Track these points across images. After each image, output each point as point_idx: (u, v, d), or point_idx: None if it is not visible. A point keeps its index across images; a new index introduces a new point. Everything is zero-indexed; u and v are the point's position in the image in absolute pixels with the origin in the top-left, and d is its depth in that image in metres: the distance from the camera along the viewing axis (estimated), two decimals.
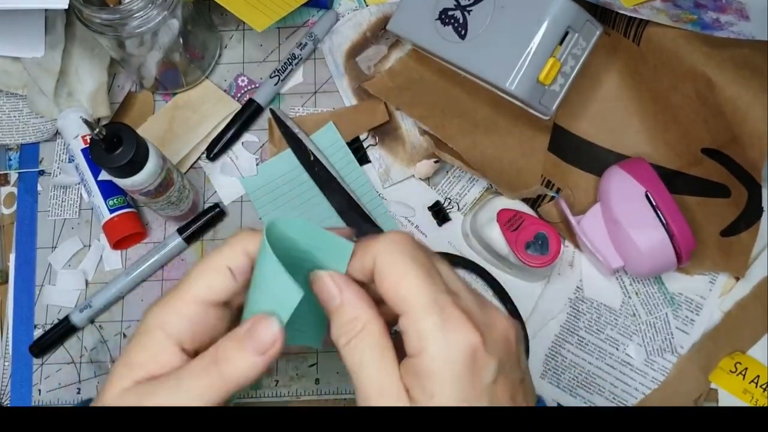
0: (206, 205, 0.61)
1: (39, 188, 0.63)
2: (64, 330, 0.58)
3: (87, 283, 0.60)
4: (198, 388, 0.33)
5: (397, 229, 0.59)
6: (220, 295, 0.35)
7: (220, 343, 0.34)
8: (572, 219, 0.55)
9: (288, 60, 0.63)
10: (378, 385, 0.33)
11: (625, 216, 0.52)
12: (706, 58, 0.51)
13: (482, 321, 0.32)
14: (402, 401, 0.32)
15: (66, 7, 0.51)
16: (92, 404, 0.36)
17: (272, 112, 0.61)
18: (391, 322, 0.34)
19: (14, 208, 0.63)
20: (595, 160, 0.59)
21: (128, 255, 0.61)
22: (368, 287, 0.35)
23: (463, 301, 0.33)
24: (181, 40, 0.58)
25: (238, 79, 0.65)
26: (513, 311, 0.56)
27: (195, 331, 0.35)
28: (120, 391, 0.34)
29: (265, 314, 0.34)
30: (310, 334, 0.39)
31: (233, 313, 0.38)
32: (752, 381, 0.53)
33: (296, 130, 0.60)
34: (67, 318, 0.58)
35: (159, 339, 0.35)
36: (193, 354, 0.36)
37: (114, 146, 0.48)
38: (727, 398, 0.54)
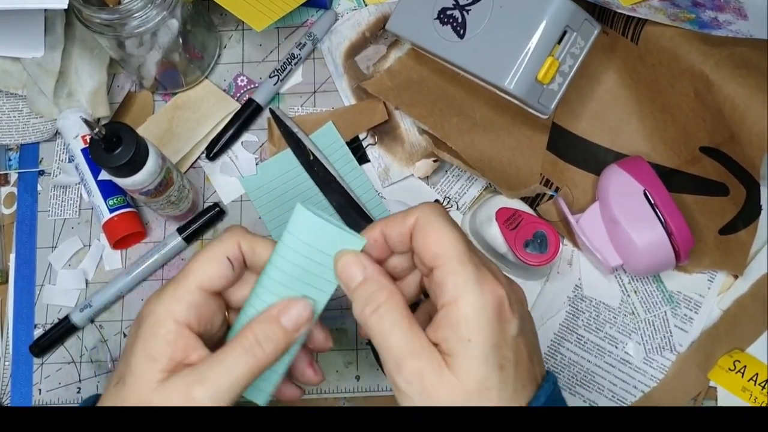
0: (206, 205, 0.61)
1: (39, 188, 0.63)
2: (64, 329, 0.58)
3: (87, 282, 0.60)
4: (243, 369, 0.36)
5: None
6: (219, 283, 0.39)
7: (255, 326, 0.37)
8: (571, 218, 0.55)
9: (287, 60, 0.63)
10: (409, 345, 0.35)
11: (623, 214, 0.52)
12: (705, 56, 0.52)
13: (505, 282, 0.36)
14: (435, 357, 0.35)
15: (65, 7, 0.51)
16: (115, 393, 0.37)
17: (272, 111, 0.62)
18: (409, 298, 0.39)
19: (14, 208, 0.63)
20: (593, 158, 0.59)
21: (128, 254, 0.61)
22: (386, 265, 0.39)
23: (490, 264, 0.37)
24: (180, 40, 0.58)
25: (237, 78, 0.65)
26: None
27: (200, 317, 0.38)
28: (154, 385, 0.36)
29: (296, 297, 0.38)
30: (260, 388, 0.40)
31: (224, 306, 0.41)
32: (751, 379, 0.53)
33: (295, 129, 0.60)
34: (67, 317, 0.58)
35: (173, 328, 0.37)
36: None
37: (114, 146, 0.48)
38: (726, 396, 0.54)
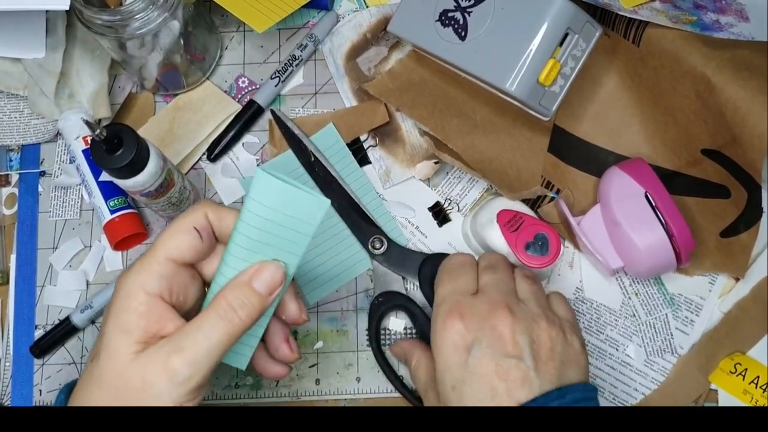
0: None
1: (40, 189, 0.63)
2: (65, 330, 0.58)
3: (88, 283, 0.60)
4: (220, 335, 0.37)
5: (397, 229, 0.59)
6: (188, 253, 0.39)
7: (228, 293, 0.38)
8: (572, 220, 0.55)
9: (288, 61, 0.63)
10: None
11: (624, 217, 0.52)
12: (706, 59, 0.52)
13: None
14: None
15: (67, 8, 0.51)
16: (91, 370, 0.37)
17: (273, 112, 0.62)
18: None
19: (15, 208, 0.63)
20: (594, 160, 0.59)
21: (129, 256, 0.61)
22: None
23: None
24: (181, 42, 0.58)
25: (238, 80, 0.65)
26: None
27: (171, 288, 0.38)
28: (130, 357, 0.36)
29: (267, 261, 0.39)
30: (240, 353, 0.42)
31: (200, 279, 0.41)
32: (752, 382, 0.53)
33: (296, 131, 0.60)
34: (68, 318, 0.58)
35: (144, 299, 0.37)
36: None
37: (115, 147, 0.48)
38: (727, 399, 0.54)
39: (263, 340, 0.43)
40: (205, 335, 0.37)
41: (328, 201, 0.39)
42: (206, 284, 0.42)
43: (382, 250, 0.57)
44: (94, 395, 0.37)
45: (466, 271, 0.47)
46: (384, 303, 0.56)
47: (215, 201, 0.41)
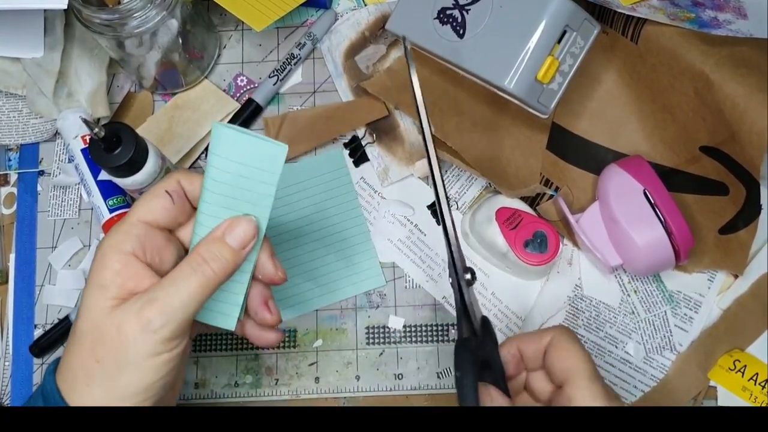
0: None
1: (39, 188, 0.63)
2: (64, 330, 0.58)
3: None
4: (193, 287, 0.38)
5: (377, 267, 0.59)
6: (161, 215, 0.40)
7: (200, 247, 0.39)
8: (571, 217, 0.55)
9: (287, 60, 0.63)
10: None
11: (623, 214, 0.52)
12: (704, 56, 0.52)
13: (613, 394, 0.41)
14: None
15: (65, 7, 0.51)
16: (72, 331, 0.39)
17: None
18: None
19: (14, 208, 0.63)
20: (593, 158, 0.59)
21: None
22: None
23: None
24: (180, 40, 0.58)
25: (237, 78, 0.65)
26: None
27: (145, 248, 0.39)
28: (106, 311, 0.37)
29: (239, 216, 0.40)
30: (226, 313, 0.42)
31: (179, 245, 0.42)
32: (751, 378, 0.53)
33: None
34: (67, 318, 0.58)
35: (119, 258, 0.39)
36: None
37: (113, 146, 0.48)
38: (726, 396, 0.54)
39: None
40: (178, 287, 0.38)
41: (286, 146, 0.39)
42: (186, 251, 0.42)
43: None
44: (75, 351, 0.38)
45: None
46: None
47: (188, 170, 0.42)
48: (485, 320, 0.44)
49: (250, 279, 0.42)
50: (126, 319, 0.37)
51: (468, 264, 0.44)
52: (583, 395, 0.39)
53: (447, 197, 0.45)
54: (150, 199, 0.40)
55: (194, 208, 0.42)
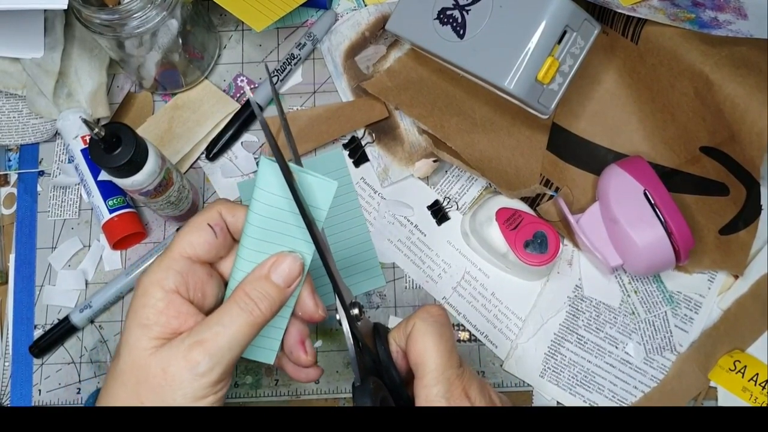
0: (205, 205, 0.61)
1: (39, 189, 0.63)
2: (64, 330, 0.58)
3: (87, 283, 0.60)
4: (241, 328, 0.37)
5: (377, 267, 0.58)
6: (203, 249, 0.39)
7: (247, 285, 0.38)
8: (571, 218, 0.55)
9: (287, 60, 0.63)
10: None
11: (623, 214, 0.52)
12: (704, 56, 0.52)
13: (475, 396, 0.38)
14: None
15: (65, 7, 0.51)
16: (112, 370, 0.38)
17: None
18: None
19: (14, 208, 0.63)
20: (593, 158, 0.59)
21: (128, 255, 0.61)
22: None
23: (466, 375, 0.39)
24: (180, 41, 0.58)
25: (237, 79, 0.65)
26: None
27: (188, 284, 0.38)
28: (149, 351, 0.36)
29: (283, 252, 0.39)
30: (266, 347, 0.41)
31: (220, 280, 0.41)
32: (751, 379, 0.53)
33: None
34: (67, 318, 0.58)
35: (161, 295, 0.37)
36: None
37: (113, 146, 0.48)
38: (727, 396, 0.54)
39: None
40: (225, 327, 0.36)
41: (335, 182, 0.38)
42: (227, 284, 0.42)
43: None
44: (116, 392, 0.37)
45: None
46: None
47: (229, 200, 0.41)
48: (377, 328, 0.42)
49: (291, 313, 0.41)
50: (172, 361, 0.36)
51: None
52: (420, 395, 0.38)
53: (319, 239, 0.39)
54: (191, 233, 0.39)
55: (236, 241, 0.41)
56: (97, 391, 0.39)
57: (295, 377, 0.43)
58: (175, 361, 0.36)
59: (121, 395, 0.37)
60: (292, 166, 0.37)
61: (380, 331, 0.41)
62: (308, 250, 0.39)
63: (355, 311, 0.40)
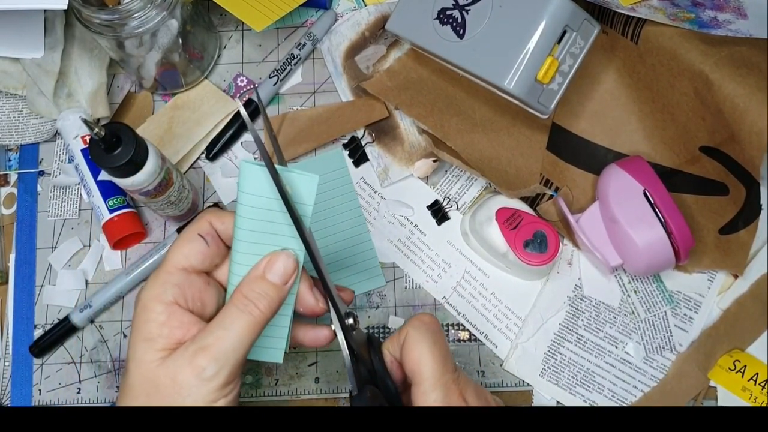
0: (206, 205, 0.61)
1: (39, 189, 0.63)
2: (64, 330, 0.58)
3: (87, 283, 0.60)
4: (243, 329, 0.37)
5: (377, 267, 0.59)
6: (196, 259, 0.40)
7: (244, 287, 0.38)
8: (571, 217, 0.55)
9: (287, 60, 0.63)
10: None
11: (623, 214, 0.52)
12: (704, 56, 0.52)
13: (472, 400, 0.39)
14: None
15: (65, 7, 0.51)
16: (122, 386, 0.38)
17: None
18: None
19: (14, 208, 0.63)
20: (593, 158, 0.59)
21: (128, 255, 0.61)
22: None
23: (461, 379, 0.39)
24: (180, 41, 0.58)
25: (237, 79, 0.65)
26: None
27: (186, 295, 0.39)
28: (156, 363, 0.37)
29: (277, 251, 0.39)
30: (274, 347, 0.42)
31: (218, 287, 0.42)
32: (751, 378, 0.53)
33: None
34: (67, 318, 0.58)
35: (161, 309, 0.38)
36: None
37: (113, 146, 0.48)
38: (726, 396, 0.54)
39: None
40: (227, 330, 0.37)
41: (316, 176, 0.39)
42: (225, 291, 0.42)
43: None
44: (129, 405, 0.37)
45: None
46: None
47: (219, 209, 0.41)
48: (370, 339, 0.42)
49: (293, 311, 0.41)
50: (179, 369, 0.36)
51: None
52: (418, 402, 0.38)
53: (310, 245, 0.40)
54: (184, 245, 0.40)
55: (228, 248, 0.41)
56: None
57: (312, 344, 0.43)
58: (182, 369, 0.36)
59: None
60: (276, 167, 0.38)
61: (374, 342, 0.42)
62: (300, 247, 0.40)
63: (350, 321, 0.41)
